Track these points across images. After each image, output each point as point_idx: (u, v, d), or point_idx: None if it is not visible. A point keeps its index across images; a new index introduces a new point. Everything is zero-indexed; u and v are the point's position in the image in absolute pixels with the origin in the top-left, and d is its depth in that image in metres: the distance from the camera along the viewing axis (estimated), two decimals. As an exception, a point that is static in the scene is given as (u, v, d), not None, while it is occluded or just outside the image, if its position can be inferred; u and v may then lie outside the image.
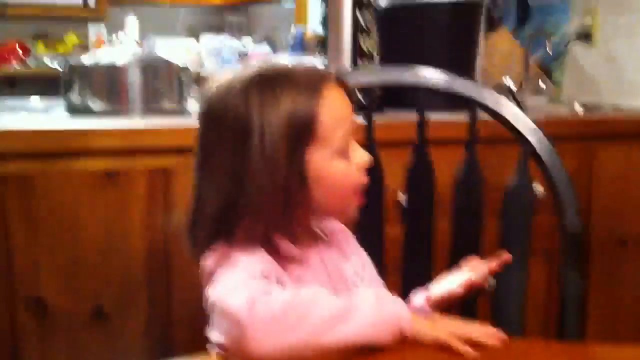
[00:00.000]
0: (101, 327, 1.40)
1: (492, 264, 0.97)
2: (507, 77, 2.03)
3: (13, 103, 1.90)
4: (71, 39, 4.71)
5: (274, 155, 0.80)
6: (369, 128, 1.12)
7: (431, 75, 1.11)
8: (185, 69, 1.64)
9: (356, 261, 0.96)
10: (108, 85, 1.57)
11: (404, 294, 1.09)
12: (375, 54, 1.78)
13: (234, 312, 0.70)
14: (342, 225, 1.01)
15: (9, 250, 1.33)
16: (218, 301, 0.73)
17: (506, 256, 0.97)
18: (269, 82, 0.83)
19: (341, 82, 0.88)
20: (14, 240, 1.33)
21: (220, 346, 0.73)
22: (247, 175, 0.81)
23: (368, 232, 1.09)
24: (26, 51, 4.53)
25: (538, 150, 1.07)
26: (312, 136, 0.83)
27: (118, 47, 4.58)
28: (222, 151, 0.83)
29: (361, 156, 0.88)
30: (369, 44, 1.74)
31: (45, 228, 1.35)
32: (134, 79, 1.56)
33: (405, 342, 0.75)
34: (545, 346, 0.85)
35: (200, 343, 1.43)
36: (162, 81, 1.61)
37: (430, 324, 0.77)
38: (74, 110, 1.59)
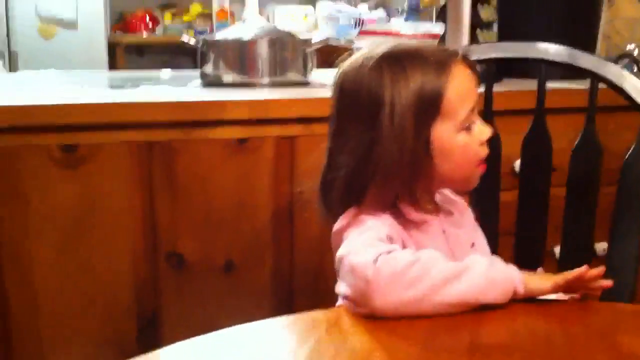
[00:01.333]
0: (231, 279, 1.54)
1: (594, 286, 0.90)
2: (632, 44, 1.99)
3: (148, 74, 2.06)
4: (195, 8, 4.92)
5: (402, 127, 0.88)
6: (488, 100, 1.17)
7: (552, 51, 1.14)
8: (308, 41, 1.73)
9: (471, 233, 1.03)
10: (239, 59, 1.68)
11: (517, 259, 1.15)
12: (494, 23, 1.81)
13: (360, 268, 0.78)
14: (461, 199, 1.08)
15: (153, 209, 1.48)
16: (346, 258, 0.82)
17: (606, 284, 0.90)
18: (400, 59, 0.90)
19: (467, 60, 0.94)
20: (157, 200, 1.48)
21: (347, 298, 0.82)
22: (377, 144, 0.89)
23: (484, 198, 1.14)
24: (154, 20, 4.77)
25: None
26: (439, 111, 0.90)
27: (242, 16, 4.74)
28: (356, 121, 0.91)
29: (483, 130, 0.95)
30: (488, 12, 1.77)
31: (184, 190, 1.49)
32: (262, 52, 1.67)
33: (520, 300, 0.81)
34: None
35: (318, 297, 1.54)
36: (288, 54, 1.70)
37: (542, 278, 0.84)
38: (209, 82, 1.72)
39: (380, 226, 0.88)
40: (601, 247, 1.56)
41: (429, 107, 0.89)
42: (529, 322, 0.80)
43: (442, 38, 1.80)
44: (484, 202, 1.15)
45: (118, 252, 1.48)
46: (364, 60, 0.92)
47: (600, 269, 0.85)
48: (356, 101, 0.91)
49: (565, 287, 0.83)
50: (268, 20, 4.98)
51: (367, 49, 0.94)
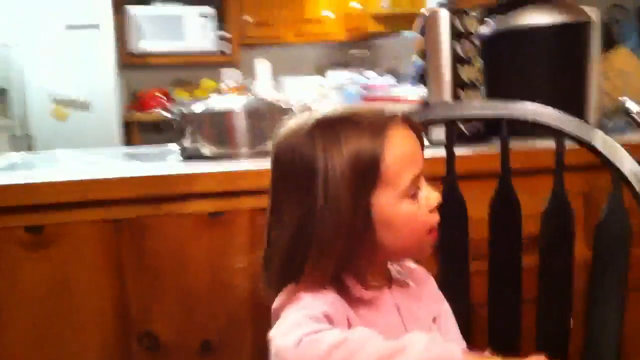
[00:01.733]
0: (209, 361, 1.46)
1: None
2: (627, 97, 1.92)
3: (131, 150, 2.04)
4: (207, 83, 4.98)
5: (337, 198, 0.81)
6: (450, 161, 1.11)
7: (514, 109, 1.09)
8: (289, 108, 1.69)
9: (431, 306, 0.95)
10: (216, 130, 1.65)
11: (491, 330, 1.07)
12: (477, 83, 1.76)
13: (282, 353, 0.72)
14: (423, 270, 1.00)
15: (123, 289, 1.43)
16: (273, 340, 0.75)
17: None
18: (333, 124, 0.84)
19: (409, 121, 0.88)
20: (127, 279, 1.43)
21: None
22: (312, 217, 0.82)
23: (453, 268, 1.07)
24: (168, 97, 4.85)
25: (629, 178, 1.01)
26: (378, 179, 0.83)
27: (253, 86, 4.79)
28: (290, 193, 0.85)
29: (431, 196, 0.87)
30: (470, 73, 1.72)
31: (156, 267, 1.44)
32: (239, 123, 1.64)
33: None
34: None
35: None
36: (267, 123, 1.67)
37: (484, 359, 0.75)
38: (188, 156, 1.69)
39: (318, 304, 0.81)
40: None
41: (366, 174, 0.82)
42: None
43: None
44: (453, 271, 1.07)
45: (90, 339, 1.42)
46: (297, 127, 0.87)
47: None
48: (289, 171, 0.86)
49: None
50: (279, 92, 5.04)
51: (302, 115, 0.89)
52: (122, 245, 1.42)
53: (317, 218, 0.82)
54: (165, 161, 1.74)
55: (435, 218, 0.88)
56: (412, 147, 0.87)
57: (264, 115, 1.68)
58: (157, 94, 4.76)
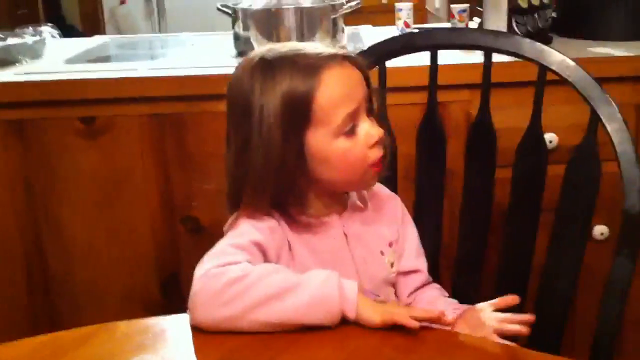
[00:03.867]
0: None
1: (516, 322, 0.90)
2: None
3: (196, 36, 2.14)
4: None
5: (270, 134, 0.86)
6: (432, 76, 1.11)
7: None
8: (337, 6, 1.69)
9: (386, 231, 1.00)
10: (266, 28, 1.69)
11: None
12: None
13: (194, 280, 0.81)
14: (389, 194, 1.04)
15: (167, 177, 1.58)
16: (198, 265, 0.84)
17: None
18: (271, 64, 0.87)
19: (351, 60, 0.90)
20: (171, 169, 1.57)
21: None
22: (248, 150, 0.88)
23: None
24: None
25: (605, 120, 0.97)
26: (309, 118, 0.86)
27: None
28: (233, 127, 0.91)
29: (370, 133, 0.89)
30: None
31: (196, 157, 1.56)
32: (288, 21, 1.67)
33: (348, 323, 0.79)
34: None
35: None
36: (315, 22, 1.69)
37: (377, 308, 0.80)
38: (241, 50, 1.75)
39: (251, 232, 0.88)
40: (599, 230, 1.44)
41: (297, 114, 0.86)
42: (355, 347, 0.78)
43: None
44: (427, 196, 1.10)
45: (139, 217, 1.60)
46: (244, 63, 0.90)
47: (451, 321, 0.83)
48: (232, 105, 0.91)
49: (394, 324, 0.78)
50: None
51: (256, 50, 0.92)
52: (165, 137, 1.55)
53: (251, 152, 0.87)
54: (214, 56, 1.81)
55: (376, 154, 0.90)
56: (347, 85, 0.88)
57: (312, 13, 1.69)
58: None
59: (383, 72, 1.11)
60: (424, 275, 1.05)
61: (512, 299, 0.91)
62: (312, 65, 0.87)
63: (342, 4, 1.72)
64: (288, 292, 0.79)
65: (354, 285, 0.81)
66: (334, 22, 1.70)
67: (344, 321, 0.80)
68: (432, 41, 1.09)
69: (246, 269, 0.81)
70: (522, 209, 1.09)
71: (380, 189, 1.03)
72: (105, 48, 2.06)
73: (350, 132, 0.88)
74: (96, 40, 2.13)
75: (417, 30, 1.65)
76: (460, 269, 1.15)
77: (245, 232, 0.88)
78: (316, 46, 0.91)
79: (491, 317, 0.89)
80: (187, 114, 1.54)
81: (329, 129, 0.87)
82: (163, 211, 1.60)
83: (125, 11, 4.43)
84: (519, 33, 1.60)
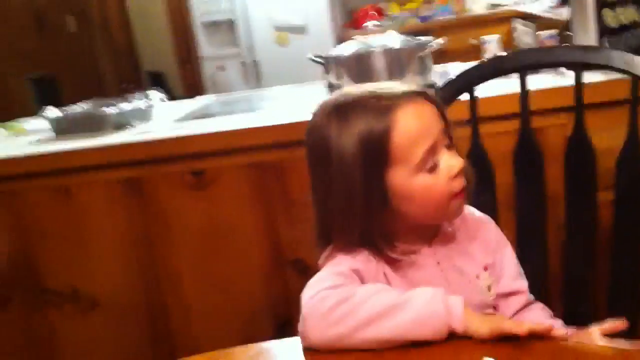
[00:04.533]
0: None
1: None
2: None
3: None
4: (420, -5, 4.97)
5: (351, 178, 0.88)
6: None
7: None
8: (422, 46, 1.74)
9: (480, 257, 0.99)
10: (356, 72, 1.76)
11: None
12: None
13: (302, 304, 0.85)
14: (481, 217, 1.04)
15: (274, 223, 1.65)
16: (303, 292, 0.88)
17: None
18: (345, 107, 0.90)
19: (424, 96, 0.91)
20: (276, 215, 1.64)
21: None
22: (330, 195, 0.91)
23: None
24: (380, 13, 4.94)
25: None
26: (388, 157, 0.88)
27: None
28: (315, 172, 0.94)
29: (451, 165, 0.90)
30: (623, 15, 1.61)
31: (299, 201, 1.62)
32: (377, 64, 1.73)
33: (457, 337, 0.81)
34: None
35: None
36: (403, 62, 1.74)
37: (484, 320, 0.81)
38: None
39: (347, 261, 0.91)
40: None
41: (376, 154, 0.87)
42: None
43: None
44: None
45: (249, 262, 1.68)
46: (319, 110, 0.94)
47: (564, 333, 0.82)
48: (312, 152, 0.94)
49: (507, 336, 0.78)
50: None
51: (331, 96, 0.96)
52: (267, 184, 1.63)
53: (335, 196, 0.90)
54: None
55: (459, 184, 0.90)
56: (422, 121, 0.88)
57: (399, 54, 1.75)
58: (371, 12, 4.87)
59: (472, 97, 1.13)
60: (525, 296, 1.03)
61: (621, 324, 0.89)
62: (385, 105, 0.89)
63: (429, 42, 1.77)
64: (395, 309, 0.82)
65: (459, 300, 0.83)
66: (422, 61, 1.75)
67: (452, 335, 0.81)
68: (520, 62, 1.10)
69: (351, 289, 0.85)
70: (627, 228, 1.07)
71: (471, 212, 1.03)
72: (208, 107, 2.19)
73: (431, 167, 0.90)
74: (200, 101, 2.27)
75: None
76: (570, 294, 1.13)
77: (343, 261, 0.92)
78: (390, 85, 0.94)
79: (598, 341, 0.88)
80: (286, 161, 1.62)
81: (409, 166, 0.89)
82: (272, 256, 1.67)
83: (223, 76, 4.68)
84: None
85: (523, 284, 1.04)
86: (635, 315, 1.02)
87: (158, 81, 5.86)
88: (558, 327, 0.92)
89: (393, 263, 0.94)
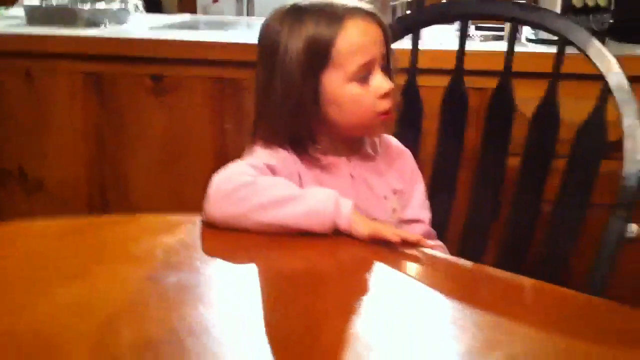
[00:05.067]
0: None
1: None
2: None
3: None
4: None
5: (290, 73, 0.95)
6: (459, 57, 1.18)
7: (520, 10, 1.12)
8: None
9: (392, 180, 1.07)
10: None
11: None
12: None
13: (210, 184, 0.92)
14: (402, 150, 1.11)
15: (225, 136, 1.71)
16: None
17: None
18: (301, 11, 0.97)
19: (372, 17, 0.98)
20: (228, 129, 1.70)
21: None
22: (270, 85, 0.98)
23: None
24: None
25: (614, 90, 1.02)
26: (328, 61, 0.95)
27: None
28: (261, 65, 1.01)
29: (379, 83, 0.97)
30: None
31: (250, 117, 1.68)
32: None
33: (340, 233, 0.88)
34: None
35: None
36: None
37: (367, 223, 0.89)
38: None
39: (264, 156, 0.97)
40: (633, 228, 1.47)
41: (317, 56, 0.95)
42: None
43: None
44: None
45: (197, 171, 1.73)
46: (275, 12, 1.00)
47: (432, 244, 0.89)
48: (262, 47, 1.00)
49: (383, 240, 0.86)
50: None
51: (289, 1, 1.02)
52: (224, 98, 1.69)
53: (273, 88, 0.97)
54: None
55: (384, 104, 0.98)
56: (366, 37, 0.96)
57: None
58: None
59: (416, 37, 1.19)
60: (425, 226, 1.11)
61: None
62: (337, 14, 0.96)
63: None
64: (291, 200, 0.89)
65: (349, 203, 0.90)
66: (394, 11, 1.80)
67: (339, 233, 0.88)
68: (462, 10, 1.16)
69: (257, 178, 0.91)
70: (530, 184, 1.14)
71: (394, 142, 1.11)
72: (191, 23, 2.22)
73: (363, 80, 0.97)
74: (184, 17, 2.30)
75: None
76: (468, 235, 1.21)
77: (260, 155, 0.98)
78: (346, 1, 0.99)
79: None
80: (245, 80, 1.67)
81: (343, 73, 0.96)
82: (218, 163, 1.72)
83: (216, 7, 4.67)
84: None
85: (426, 214, 1.12)
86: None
87: (156, 4, 5.82)
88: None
89: (309, 167, 1.01)
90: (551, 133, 1.10)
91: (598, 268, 0.99)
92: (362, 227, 0.88)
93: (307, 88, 0.96)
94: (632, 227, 1.55)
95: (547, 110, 1.11)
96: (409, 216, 1.10)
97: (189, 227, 0.92)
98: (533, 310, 0.74)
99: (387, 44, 1.00)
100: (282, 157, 0.99)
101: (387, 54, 1.00)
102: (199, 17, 2.45)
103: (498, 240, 1.19)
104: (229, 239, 0.89)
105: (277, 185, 0.92)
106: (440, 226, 1.14)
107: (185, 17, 2.32)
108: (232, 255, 0.87)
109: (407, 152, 1.13)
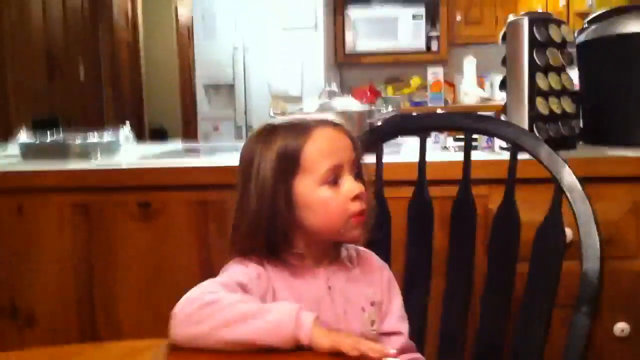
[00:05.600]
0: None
1: None
2: None
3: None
4: (415, 81, 5.18)
5: (264, 183, 1.01)
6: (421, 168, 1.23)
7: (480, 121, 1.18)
8: (372, 114, 1.87)
9: (368, 291, 1.08)
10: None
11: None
12: (565, 90, 1.77)
13: (176, 304, 0.94)
14: (379, 262, 1.14)
15: (210, 258, 1.73)
16: None
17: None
18: (274, 129, 1.04)
19: (339, 127, 1.04)
20: (212, 250, 1.73)
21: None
22: (246, 198, 1.03)
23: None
24: (374, 93, 5.12)
25: (567, 190, 1.06)
26: (298, 167, 1.00)
27: (460, 83, 4.87)
28: (239, 184, 1.06)
29: (351, 187, 1.01)
30: (553, 81, 1.75)
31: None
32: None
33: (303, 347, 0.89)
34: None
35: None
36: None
37: (328, 335, 0.89)
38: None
39: (238, 273, 1.00)
40: (619, 327, 1.46)
41: (288, 163, 1.00)
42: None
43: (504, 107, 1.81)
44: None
45: (183, 293, 1.74)
46: (252, 132, 1.07)
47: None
48: (240, 165, 1.06)
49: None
50: (487, 88, 5.06)
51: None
52: (207, 220, 1.73)
53: (248, 199, 1.02)
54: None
55: (356, 206, 1.02)
56: (333, 143, 1.01)
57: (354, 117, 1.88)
58: (368, 92, 5.06)
59: (380, 148, 1.25)
60: (404, 338, 1.12)
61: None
62: (305, 126, 1.02)
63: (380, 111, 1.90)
64: (252, 316, 0.90)
65: (311, 316, 0.91)
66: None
67: (302, 348, 0.89)
68: (421, 124, 1.22)
69: (220, 296, 0.93)
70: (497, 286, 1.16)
71: (372, 257, 1.14)
72: (180, 152, 2.31)
73: (333, 184, 1.01)
74: (173, 145, 2.39)
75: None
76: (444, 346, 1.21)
77: (233, 273, 1.01)
78: (315, 116, 1.06)
79: None
80: (227, 201, 1.70)
81: (313, 177, 1.01)
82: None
83: (216, 135, 4.83)
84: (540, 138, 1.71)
85: (405, 327, 1.13)
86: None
87: (161, 136, 6.05)
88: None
89: (286, 277, 1.03)
90: (513, 234, 1.13)
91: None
92: (324, 340, 0.89)
93: (280, 194, 1.01)
94: (621, 326, 1.54)
95: (506, 213, 1.14)
96: (387, 328, 1.11)
97: (154, 352, 0.93)
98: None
99: (356, 151, 1.05)
100: (255, 274, 1.01)
101: (358, 162, 1.05)
102: (192, 145, 2.54)
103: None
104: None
105: (241, 302, 0.94)
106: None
107: (178, 145, 2.41)
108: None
109: (385, 266, 1.15)
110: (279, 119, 1.07)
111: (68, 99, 5.34)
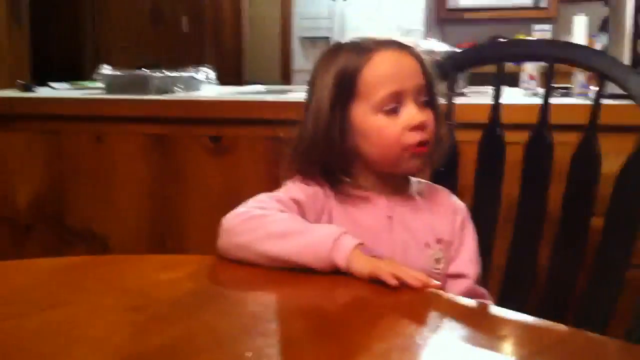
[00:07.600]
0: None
1: None
2: None
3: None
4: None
5: (320, 105, 0.95)
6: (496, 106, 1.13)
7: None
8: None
9: (435, 225, 1.00)
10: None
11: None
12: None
13: (226, 215, 0.90)
14: (458, 205, 1.04)
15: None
16: None
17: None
18: (338, 48, 0.97)
19: (408, 49, 0.96)
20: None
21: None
22: (305, 125, 0.97)
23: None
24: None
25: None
26: (355, 91, 0.94)
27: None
28: (305, 102, 1.01)
29: (408, 116, 0.93)
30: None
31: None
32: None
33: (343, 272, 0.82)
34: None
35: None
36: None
37: (368, 262, 0.82)
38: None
39: (295, 190, 0.95)
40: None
41: (345, 86, 0.93)
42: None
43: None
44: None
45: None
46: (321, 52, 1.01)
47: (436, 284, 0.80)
48: (307, 87, 1.01)
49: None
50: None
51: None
52: (279, 157, 1.68)
53: (307, 122, 0.97)
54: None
55: (413, 137, 0.93)
56: (395, 67, 0.93)
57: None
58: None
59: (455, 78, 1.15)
60: (469, 282, 1.02)
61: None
62: (367, 47, 0.95)
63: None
64: (293, 234, 0.85)
65: (352, 241, 0.84)
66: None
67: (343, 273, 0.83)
68: (499, 52, 1.12)
69: (269, 212, 0.89)
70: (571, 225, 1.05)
71: (447, 195, 1.05)
72: (260, 93, 2.28)
73: (392, 112, 0.93)
74: (257, 87, 2.36)
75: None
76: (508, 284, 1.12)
77: (290, 189, 0.96)
78: (383, 35, 0.98)
79: None
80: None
81: (370, 104, 0.94)
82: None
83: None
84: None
85: (472, 270, 1.03)
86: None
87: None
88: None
89: (344, 203, 0.98)
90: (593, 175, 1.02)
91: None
92: (361, 266, 0.82)
93: (336, 119, 0.95)
94: None
95: (586, 153, 1.02)
96: (452, 270, 1.02)
97: (193, 266, 0.90)
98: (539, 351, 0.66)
99: (426, 76, 0.97)
100: (312, 193, 0.97)
101: (429, 88, 0.97)
102: (273, 87, 2.51)
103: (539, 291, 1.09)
104: (228, 277, 0.87)
105: (285, 219, 0.89)
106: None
107: (259, 87, 2.38)
108: (226, 292, 0.85)
109: (461, 207, 1.05)
110: (348, 38, 1.00)
111: (171, 49, 5.44)
